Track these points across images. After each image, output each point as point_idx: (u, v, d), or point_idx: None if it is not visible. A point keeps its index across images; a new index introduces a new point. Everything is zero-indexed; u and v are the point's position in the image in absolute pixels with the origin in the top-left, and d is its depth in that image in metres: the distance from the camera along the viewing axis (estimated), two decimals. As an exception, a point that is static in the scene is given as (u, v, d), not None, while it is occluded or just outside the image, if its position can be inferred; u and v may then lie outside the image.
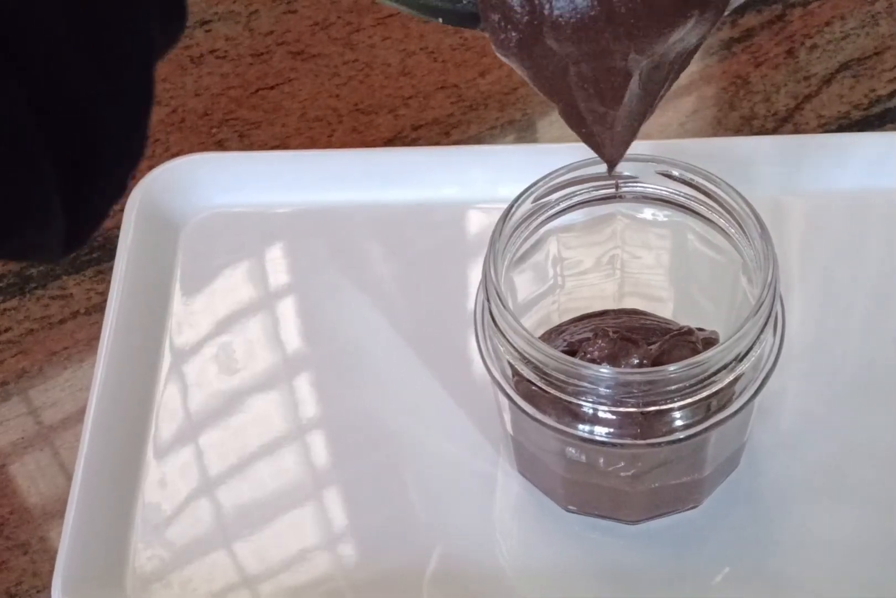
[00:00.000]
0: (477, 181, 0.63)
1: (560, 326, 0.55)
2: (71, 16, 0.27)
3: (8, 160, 0.27)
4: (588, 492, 0.51)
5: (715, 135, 0.67)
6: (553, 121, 0.69)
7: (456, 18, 0.38)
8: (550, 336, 0.54)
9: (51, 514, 0.57)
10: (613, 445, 0.47)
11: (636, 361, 0.48)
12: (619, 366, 0.48)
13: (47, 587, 0.52)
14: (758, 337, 0.46)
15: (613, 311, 0.55)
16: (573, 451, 0.48)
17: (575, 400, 0.46)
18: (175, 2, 0.31)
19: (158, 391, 0.58)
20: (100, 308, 0.61)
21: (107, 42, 0.29)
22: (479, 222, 0.63)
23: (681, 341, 0.49)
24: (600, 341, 0.49)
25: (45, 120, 0.27)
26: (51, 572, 0.52)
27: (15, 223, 0.28)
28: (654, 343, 0.49)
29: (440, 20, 0.38)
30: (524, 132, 0.69)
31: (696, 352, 0.48)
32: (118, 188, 0.31)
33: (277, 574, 0.53)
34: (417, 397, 0.57)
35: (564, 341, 0.53)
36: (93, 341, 0.61)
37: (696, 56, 0.71)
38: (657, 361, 0.48)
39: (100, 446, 0.55)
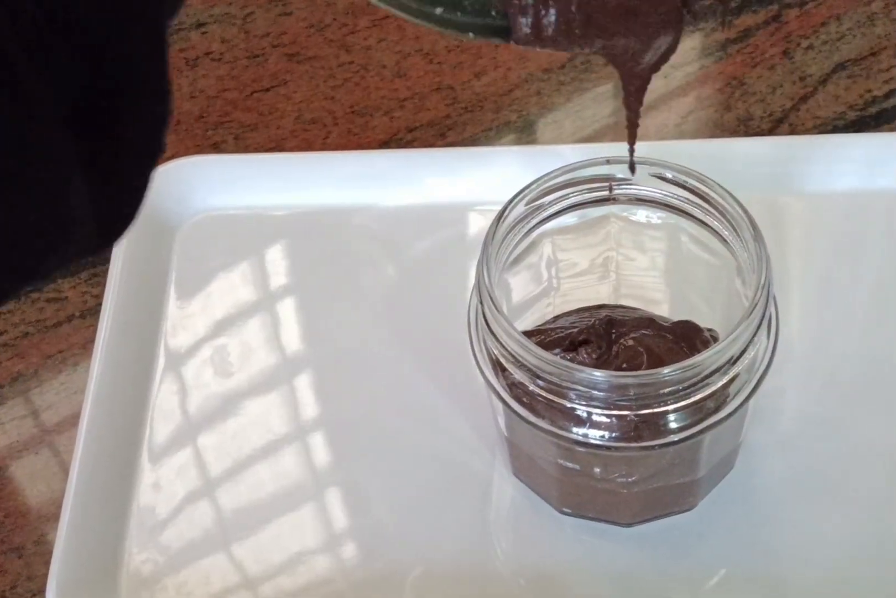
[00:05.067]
0: (472, 183, 0.63)
1: (556, 317, 0.55)
2: None
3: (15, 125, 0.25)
4: (583, 494, 0.51)
5: (711, 136, 0.67)
6: (549, 122, 0.69)
7: (486, 32, 0.38)
8: (546, 328, 0.54)
9: (46, 517, 0.57)
10: (608, 448, 0.47)
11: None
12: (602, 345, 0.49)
13: (42, 590, 0.52)
14: (751, 339, 0.46)
15: (609, 305, 0.55)
16: (567, 454, 0.48)
17: (568, 403, 0.46)
18: None
19: (153, 394, 0.58)
20: (95, 311, 0.61)
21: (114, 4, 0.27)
22: (475, 224, 0.63)
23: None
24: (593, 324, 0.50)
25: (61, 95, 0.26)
26: (46, 575, 0.52)
27: (51, 235, 0.26)
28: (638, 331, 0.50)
29: (471, 35, 0.38)
30: (520, 134, 0.69)
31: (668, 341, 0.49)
32: (153, 150, 0.28)
33: (273, 577, 0.53)
34: (413, 400, 0.57)
35: (562, 328, 0.53)
36: (88, 344, 0.61)
37: (692, 57, 0.71)
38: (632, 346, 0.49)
39: (95, 449, 0.55)
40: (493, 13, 0.37)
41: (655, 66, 0.40)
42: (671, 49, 0.40)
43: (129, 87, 0.28)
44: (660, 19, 0.38)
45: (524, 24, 0.37)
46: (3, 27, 0.24)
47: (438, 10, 0.37)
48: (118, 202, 0.29)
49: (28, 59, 0.25)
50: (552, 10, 0.36)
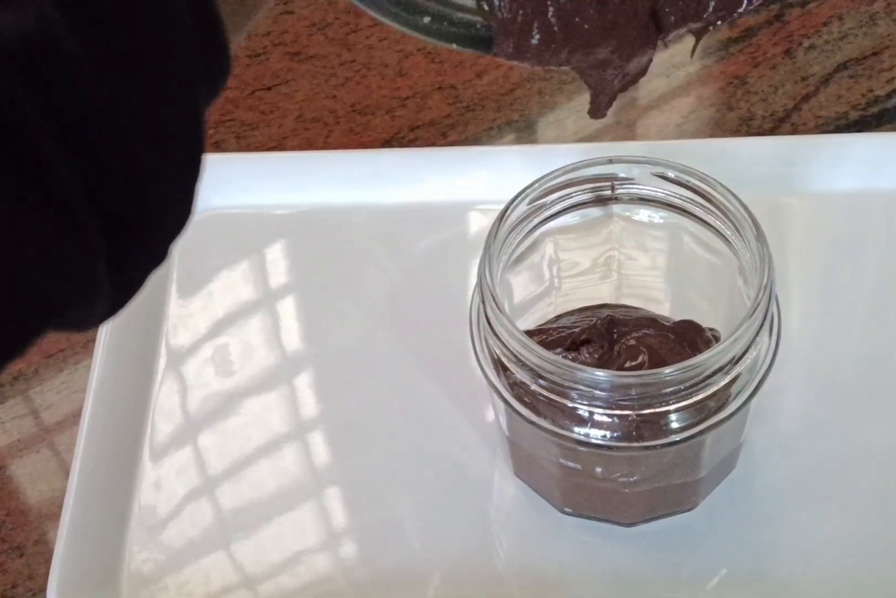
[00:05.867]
0: (474, 182, 0.63)
1: (557, 317, 0.55)
2: (110, 76, 0.26)
3: (54, 231, 0.25)
4: (584, 494, 0.51)
5: (713, 135, 0.67)
6: (550, 121, 0.69)
7: (470, 43, 0.38)
8: (547, 328, 0.54)
9: (47, 516, 0.57)
10: (609, 448, 0.47)
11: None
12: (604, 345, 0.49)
13: (43, 589, 0.52)
14: (754, 339, 0.46)
15: (611, 305, 0.55)
16: (569, 453, 0.48)
17: (570, 403, 0.46)
18: (217, 50, 0.29)
19: (154, 393, 0.58)
20: (96, 310, 0.61)
21: (152, 101, 0.27)
22: (477, 223, 0.63)
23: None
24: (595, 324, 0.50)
25: (90, 186, 0.26)
26: (47, 574, 0.52)
27: (69, 297, 0.27)
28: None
29: (454, 46, 0.38)
30: (521, 133, 0.69)
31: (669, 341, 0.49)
32: (159, 257, 0.29)
33: (273, 577, 0.53)
34: (414, 399, 0.57)
35: (564, 328, 0.53)
36: (89, 343, 0.61)
37: (694, 56, 0.71)
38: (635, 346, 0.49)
39: (96, 448, 0.55)
40: (479, 26, 0.38)
41: (624, 87, 0.41)
42: (642, 72, 0.41)
43: (158, 195, 0.28)
44: (635, 42, 0.39)
45: (507, 38, 0.37)
46: (38, 128, 0.24)
47: (426, 20, 0.37)
48: (123, 292, 0.29)
49: (61, 158, 0.25)
50: (535, 27, 0.37)
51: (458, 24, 0.38)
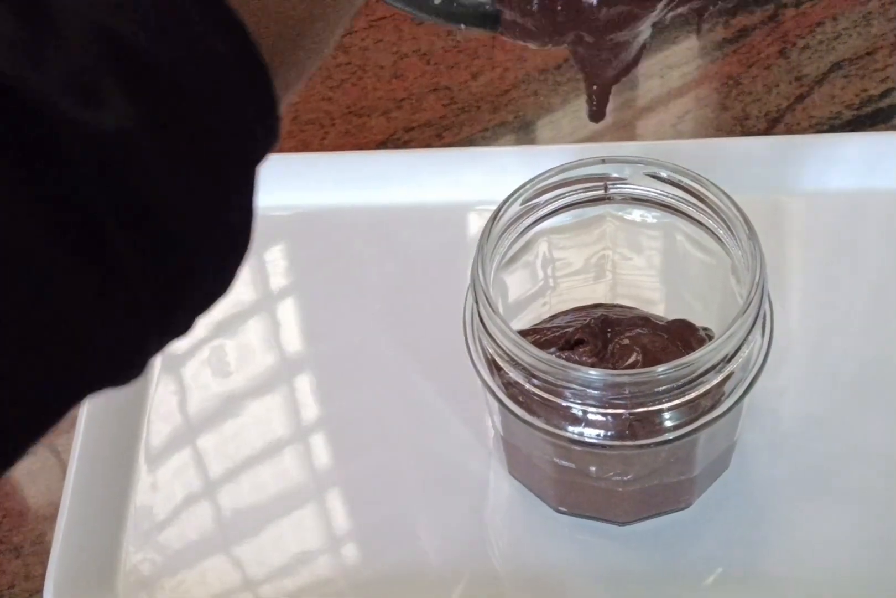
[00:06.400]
0: (469, 183, 0.63)
1: (552, 317, 0.55)
2: (176, 173, 0.27)
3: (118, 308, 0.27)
4: (578, 493, 0.51)
5: (707, 135, 0.67)
6: (545, 123, 0.69)
7: (478, 21, 0.39)
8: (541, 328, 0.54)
9: (43, 517, 0.57)
10: (603, 446, 0.47)
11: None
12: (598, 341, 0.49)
13: (39, 590, 0.52)
14: (746, 337, 0.46)
15: (605, 305, 0.56)
16: (563, 452, 0.48)
17: (564, 402, 0.46)
18: (272, 136, 0.30)
19: (150, 395, 0.58)
20: (92, 312, 0.61)
21: (211, 197, 0.28)
22: (472, 224, 0.63)
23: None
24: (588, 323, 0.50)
25: (148, 271, 0.27)
26: (43, 575, 0.52)
27: (125, 366, 0.29)
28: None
29: (462, 26, 0.39)
30: (516, 134, 0.69)
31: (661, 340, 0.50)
32: (184, 330, 0.30)
33: (270, 578, 0.53)
34: (410, 400, 0.57)
35: (558, 327, 0.53)
36: (85, 344, 0.61)
37: (689, 56, 0.71)
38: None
39: (92, 449, 0.55)
40: (487, 7, 0.39)
41: (617, 78, 0.42)
42: (634, 62, 0.41)
43: (201, 279, 0.29)
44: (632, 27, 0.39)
45: (515, 25, 0.38)
46: (110, 219, 0.26)
47: (436, 1, 0.38)
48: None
49: (127, 243, 0.26)
50: (545, 15, 0.37)
51: (468, 4, 0.39)
